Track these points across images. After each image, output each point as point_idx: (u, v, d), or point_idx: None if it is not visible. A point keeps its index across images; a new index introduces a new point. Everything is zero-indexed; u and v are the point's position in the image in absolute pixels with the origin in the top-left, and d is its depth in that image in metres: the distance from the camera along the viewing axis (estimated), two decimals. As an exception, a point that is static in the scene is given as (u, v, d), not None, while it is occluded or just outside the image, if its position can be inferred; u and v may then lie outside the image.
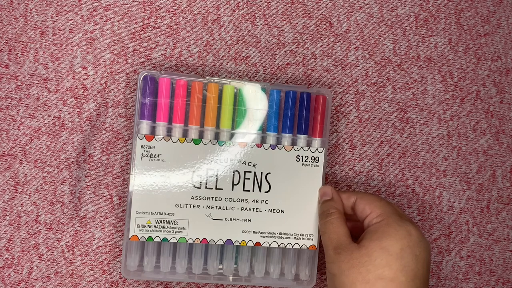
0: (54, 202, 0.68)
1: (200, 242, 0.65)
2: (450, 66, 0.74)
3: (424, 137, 0.73)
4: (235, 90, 0.66)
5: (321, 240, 0.63)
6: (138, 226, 0.64)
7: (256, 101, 0.66)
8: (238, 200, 0.66)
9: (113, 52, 0.69)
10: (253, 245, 0.66)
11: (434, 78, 0.73)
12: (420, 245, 0.59)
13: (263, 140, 0.67)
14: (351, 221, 0.66)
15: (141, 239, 0.65)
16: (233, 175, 0.66)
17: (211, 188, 0.65)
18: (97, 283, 0.68)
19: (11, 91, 0.68)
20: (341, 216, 0.63)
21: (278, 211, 0.66)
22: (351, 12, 0.72)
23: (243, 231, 0.66)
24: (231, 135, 0.66)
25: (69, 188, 0.68)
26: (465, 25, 0.74)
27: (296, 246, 0.67)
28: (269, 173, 0.66)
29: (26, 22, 0.68)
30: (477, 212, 0.74)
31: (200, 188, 0.65)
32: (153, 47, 0.69)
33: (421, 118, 0.73)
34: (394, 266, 0.57)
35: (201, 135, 0.66)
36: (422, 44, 0.73)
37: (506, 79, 0.75)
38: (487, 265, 0.74)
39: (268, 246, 0.66)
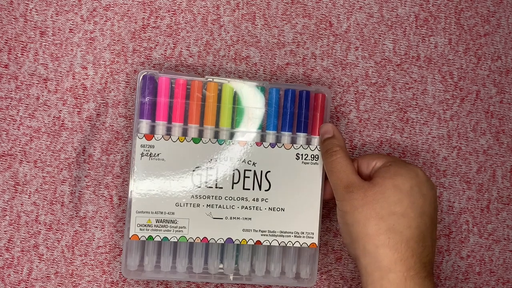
0: (54, 202, 0.68)
1: (201, 241, 0.65)
2: (450, 66, 0.74)
3: (424, 137, 0.73)
4: (235, 89, 0.66)
5: (328, 178, 0.65)
6: (138, 225, 0.64)
7: (255, 99, 0.66)
8: (238, 198, 0.66)
9: (113, 52, 0.69)
10: (253, 243, 0.66)
11: (434, 78, 0.73)
12: (426, 184, 0.62)
13: (262, 139, 0.67)
14: None
15: (141, 239, 0.64)
16: (233, 173, 0.66)
17: (211, 187, 0.65)
18: (97, 283, 0.68)
19: (11, 91, 0.68)
20: (346, 154, 0.65)
21: (278, 209, 0.66)
22: (351, 12, 0.72)
23: (243, 230, 0.66)
24: (231, 134, 0.66)
25: (69, 188, 0.68)
26: (465, 25, 0.74)
27: (297, 245, 0.67)
28: (269, 171, 0.66)
29: (26, 22, 0.68)
30: (477, 212, 0.74)
31: (200, 187, 0.65)
32: (153, 47, 0.70)
33: (421, 118, 0.73)
34: (405, 202, 0.59)
35: (200, 134, 0.66)
36: (422, 44, 0.73)
37: (506, 79, 0.75)
38: (487, 265, 0.74)
39: (269, 244, 0.66)
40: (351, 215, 0.60)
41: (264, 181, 0.66)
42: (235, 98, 0.66)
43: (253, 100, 0.66)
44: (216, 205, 0.65)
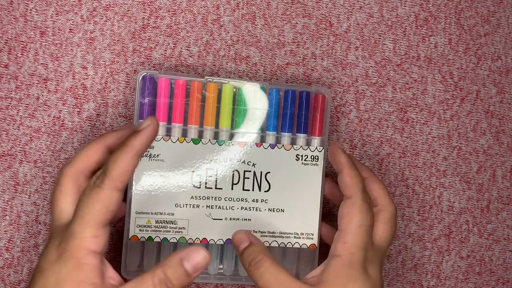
0: (54, 202, 0.68)
1: (200, 242, 0.65)
2: (450, 66, 0.74)
3: (424, 137, 0.73)
4: (234, 90, 0.66)
5: None
6: (138, 226, 0.64)
7: (256, 100, 0.66)
8: (238, 199, 0.66)
9: (113, 52, 0.69)
10: (253, 244, 0.66)
11: (434, 78, 0.73)
12: None
13: (262, 140, 0.66)
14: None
15: (141, 239, 0.64)
16: (233, 174, 0.65)
17: (211, 188, 0.65)
18: (97, 283, 0.68)
19: (11, 91, 0.68)
20: (272, 259, 0.57)
21: (278, 210, 0.66)
22: (351, 12, 0.72)
23: None
24: (231, 135, 0.66)
25: (69, 188, 0.68)
26: (465, 25, 0.74)
27: (296, 246, 0.67)
28: (269, 172, 0.66)
29: (26, 22, 0.68)
30: (477, 212, 0.74)
31: (199, 188, 0.65)
32: (153, 47, 0.69)
33: (421, 118, 0.73)
34: None
35: (200, 135, 0.66)
36: (422, 44, 0.73)
37: (506, 79, 0.75)
38: (487, 265, 0.74)
39: (268, 245, 0.66)
40: None
41: (263, 182, 0.66)
42: (235, 99, 0.66)
43: (254, 101, 0.66)
44: (216, 206, 0.65)
